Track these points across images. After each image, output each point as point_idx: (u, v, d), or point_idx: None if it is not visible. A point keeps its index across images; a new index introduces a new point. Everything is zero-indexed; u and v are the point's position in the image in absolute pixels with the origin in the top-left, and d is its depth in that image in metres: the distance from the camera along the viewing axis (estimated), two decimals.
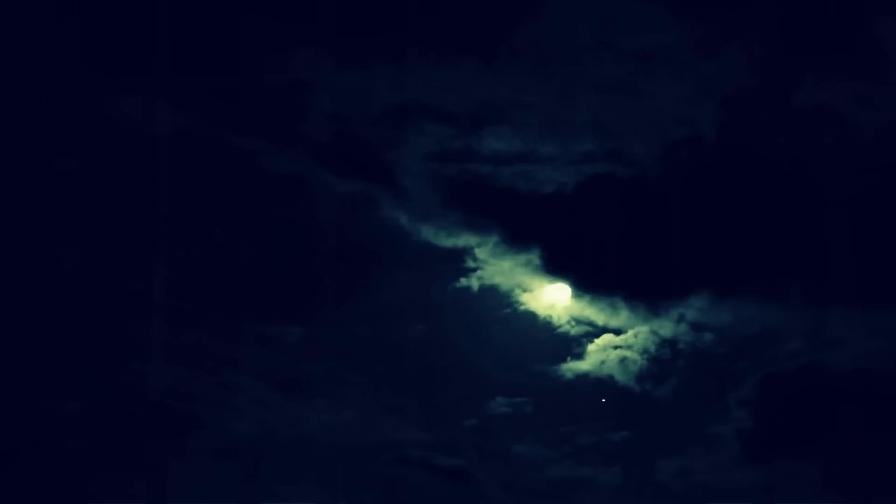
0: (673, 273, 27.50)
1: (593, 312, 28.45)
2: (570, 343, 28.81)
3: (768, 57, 25.90)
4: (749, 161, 26.82)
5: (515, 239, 27.93)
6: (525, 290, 28.71)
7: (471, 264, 28.57)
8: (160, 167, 27.06)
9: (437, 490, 28.25)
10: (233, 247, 27.98)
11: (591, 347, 28.70)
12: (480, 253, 28.33)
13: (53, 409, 26.65)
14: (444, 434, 28.82)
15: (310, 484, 27.64)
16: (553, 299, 28.73)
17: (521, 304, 28.82)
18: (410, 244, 28.31)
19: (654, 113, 26.53)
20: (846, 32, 25.50)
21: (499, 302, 28.89)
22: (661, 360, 28.73)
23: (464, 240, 28.22)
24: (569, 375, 28.68)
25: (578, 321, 28.69)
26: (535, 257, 28.05)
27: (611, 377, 28.75)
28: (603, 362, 28.64)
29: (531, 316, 28.85)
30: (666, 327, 28.39)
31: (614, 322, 28.54)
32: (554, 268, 28.04)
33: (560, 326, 28.81)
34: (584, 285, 28.07)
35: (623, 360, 28.62)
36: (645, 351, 28.68)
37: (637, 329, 28.59)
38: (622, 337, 28.71)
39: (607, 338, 28.78)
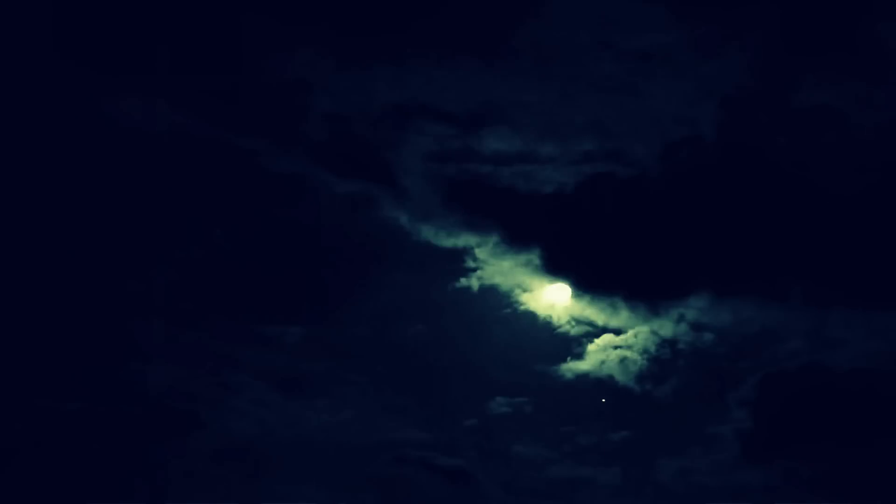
0: (673, 273, 27.53)
1: (593, 312, 28.46)
2: (570, 343, 28.84)
3: (768, 57, 25.91)
4: (749, 161, 26.81)
5: (515, 239, 27.95)
6: (525, 290, 28.71)
7: (471, 264, 28.59)
8: (160, 167, 27.06)
9: (437, 490, 28.19)
10: (233, 247, 27.97)
11: (591, 347, 28.69)
12: (480, 253, 28.35)
13: (54, 408, 26.62)
14: (444, 434, 28.78)
15: (310, 484, 27.58)
16: (553, 300, 28.70)
17: (521, 304, 28.82)
18: (410, 244, 28.35)
19: (654, 113, 26.56)
20: (846, 32, 25.46)
21: (499, 302, 28.92)
22: (661, 360, 28.73)
23: (464, 240, 28.25)
24: (569, 375, 28.67)
25: (578, 321, 28.68)
26: (535, 257, 28.08)
27: (611, 377, 28.74)
28: (603, 362, 28.61)
29: (531, 316, 28.87)
30: (666, 327, 28.39)
31: (614, 322, 28.55)
32: (554, 268, 28.04)
33: (560, 326, 28.80)
34: (584, 285, 28.10)
35: (623, 360, 28.59)
36: (645, 351, 28.66)
37: (637, 329, 28.58)
38: (622, 337, 28.70)
39: (607, 338, 28.77)
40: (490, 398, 28.74)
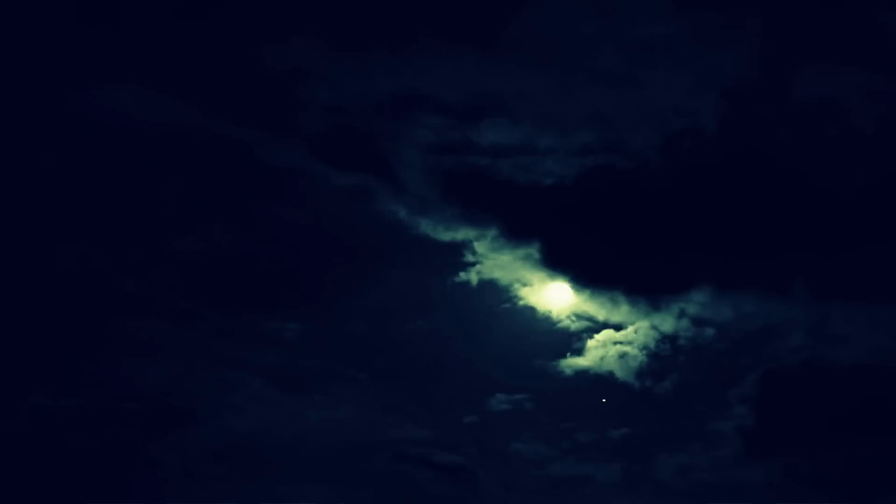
0: (674, 267, 27.42)
1: (593, 307, 28.36)
2: (570, 338, 28.74)
3: (769, 47, 25.79)
4: (750, 154, 26.70)
5: (514, 232, 27.79)
6: (525, 285, 28.57)
7: (470, 258, 28.42)
8: (152, 161, 26.88)
9: (437, 487, 28.18)
10: (228, 242, 27.84)
11: (590, 343, 28.62)
12: (479, 247, 28.18)
13: (49, 406, 26.53)
14: (443, 431, 28.74)
15: (308, 481, 27.61)
16: (554, 300, 28.59)
17: (521, 299, 28.69)
18: (409, 238, 28.18)
19: (654, 104, 26.43)
20: (849, 22, 25.39)
21: (498, 296, 28.79)
22: (662, 356, 28.67)
23: (462, 233, 28.05)
24: (568, 372, 28.62)
25: (578, 316, 28.59)
26: (534, 251, 27.92)
27: (611, 374, 28.66)
28: (602, 358, 28.51)
29: (530, 311, 28.77)
30: (667, 322, 28.31)
31: (615, 317, 28.46)
32: (554, 262, 27.90)
33: (560, 322, 28.68)
34: (585, 279, 27.95)
35: (623, 355, 28.52)
36: (645, 347, 28.57)
37: (638, 325, 28.49)
38: (622, 333, 28.61)
39: (607, 333, 28.70)
40: (490, 395, 28.69)
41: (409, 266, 28.48)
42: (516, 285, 28.54)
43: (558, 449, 28.69)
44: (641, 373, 28.65)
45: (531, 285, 28.52)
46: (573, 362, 28.62)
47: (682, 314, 28.14)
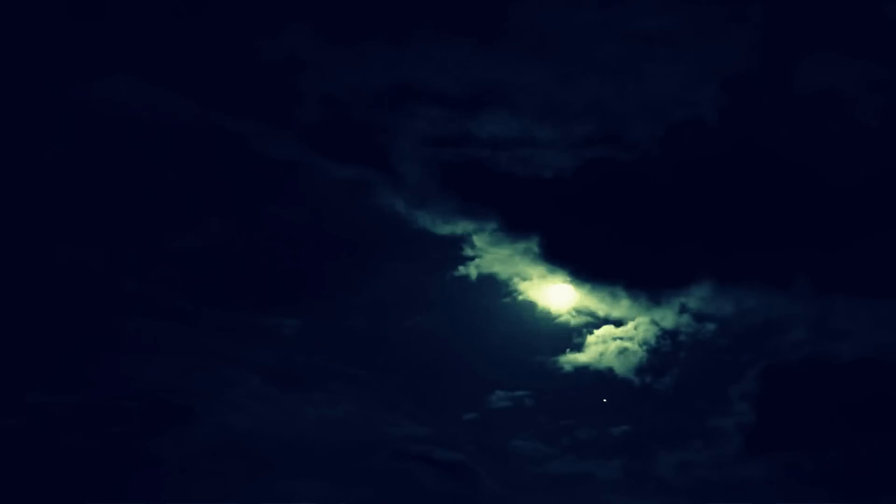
0: (675, 261, 27.34)
1: (594, 302, 28.25)
2: (570, 333, 28.64)
3: (771, 38, 25.70)
4: (752, 145, 26.60)
5: (514, 226, 27.64)
6: (524, 279, 28.43)
7: (469, 252, 28.23)
8: (147, 154, 26.71)
9: (437, 485, 28.14)
10: (225, 236, 27.75)
11: (590, 339, 28.55)
12: (478, 240, 28.02)
13: (47, 403, 26.55)
14: (443, 428, 28.70)
15: (308, 479, 27.59)
16: (554, 296, 28.50)
17: (520, 294, 28.55)
18: (407, 232, 28.00)
19: (655, 95, 26.31)
20: (851, 12, 25.31)
21: (497, 291, 28.63)
22: (662, 352, 28.63)
23: (461, 227, 27.89)
24: (568, 368, 28.55)
25: (578, 311, 28.49)
26: (533, 245, 27.75)
27: (610, 370, 28.56)
28: (602, 354, 28.44)
29: (530, 306, 28.64)
30: (668, 318, 28.24)
31: (615, 312, 28.35)
32: (553, 256, 27.74)
33: (560, 316, 28.57)
34: (585, 273, 27.82)
35: (623, 351, 28.45)
36: (645, 342, 28.52)
37: (638, 320, 28.42)
38: (622, 329, 28.53)
39: (607, 329, 28.61)
40: (489, 392, 28.63)
41: (407, 260, 28.42)
42: (515, 279, 28.43)
43: (558, 446, 28.65)
44: (642, 369, 28.64)
45: (530, 279, 28.41)
46: (573, 358, 28.59)
47: (682, 309, 28.12)
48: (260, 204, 27.56)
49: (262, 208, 27.62)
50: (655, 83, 26.20)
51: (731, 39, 25.67)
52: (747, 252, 27.03)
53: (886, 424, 27.18)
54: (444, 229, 27.89)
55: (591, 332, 28.55)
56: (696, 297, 27.72)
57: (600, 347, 28.50)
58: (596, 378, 28.68)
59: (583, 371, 28.61)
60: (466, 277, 28.39)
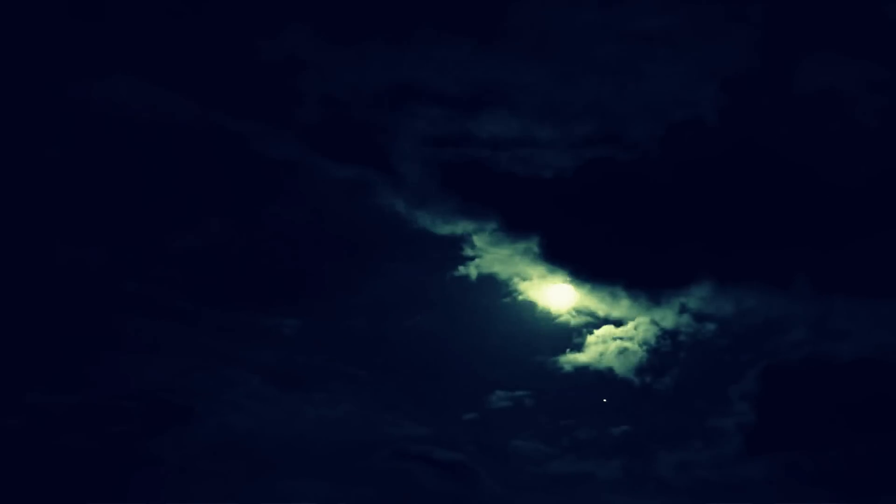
0: (675, 260, 27.31)
1: (593, 302, 28.23)
2: (570, 333, 28.62)
3: (771, 38, 25.70)
4: (752, 145, 26.59)
5: (514, 226, 27.63)
6: (524, 279, 28.41)
7: (469, 252, 28.21)
8: (146, 154, 26.68)
9: (437, 485, 28.10)
10: (225, 236, 27.75)
11: (590, 339, 28.52)
12: (478, 240, 28.00)
13: (47, 403, 26.51)
14: (443, 428, 28.66)
15: (308, 479, 27.55)
16: (556, 300, 28.50)
17: (520, 294, 28.53)
18: (407, 232, 27.99)
19: (654, 95, 26.33)
20: (852, 12, 25.31)
21: (497, 291, 28.61)
22: (662, 351, 28.60)
23: (461, 227, 27.88)
24: (568, 368, 28.52)
25: (578, 311, 28.47)
26: (533, 245, 27.74)
27: (610, 370, 28.54)
28: (602, 354, 28.41)
29: (530, 306, 28.62)
30: (668, 318, 28.21)
31: (615, 312, 28.33)
32: (553, 256, 27.72)
33: (560, 316, 28.56)
34: (585, 273, 27.80)
35: (623, 351, 28.42)
36: (645, 342, 28.49)
37: (638, 320, 28.39)
38: (623, 329, 28.50)
39: (607, 329, 28.57)
40: (489, 392, 28.60)
41: (407, 260, 28.42)
42: (515, 279, 28.41)
43: (558, 446, 28.61)
44: (641, 369, 28.61)
45: (530, 279, 28.39)
46: (573, 358, 28.55)
47: (683, 309, 28.09)
48: (260, 204, 27.56)
49: (262, 208, 27.62)
50: (655, 83, 26.22)
51: (731, 39, 25.68)
52: (747, 252, 27.02)
53: (886, 424, 27.14)
54: (444, 229, 27.90)
55: (591, 332, 28.57)
56: (696, 297, 27.75)
57: (600, 347, 28.48)
58: (596, 378, 28.68)
59: (583, 371, 28.60)
60: (466, 277, 28.40)
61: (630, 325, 28.46)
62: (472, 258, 28.23)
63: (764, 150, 26.44)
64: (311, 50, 25.62)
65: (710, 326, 28.29)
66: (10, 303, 26.10)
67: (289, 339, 28.07)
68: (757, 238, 26.92)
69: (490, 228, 27.75)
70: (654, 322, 28.34)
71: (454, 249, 28.23)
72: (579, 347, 28.51)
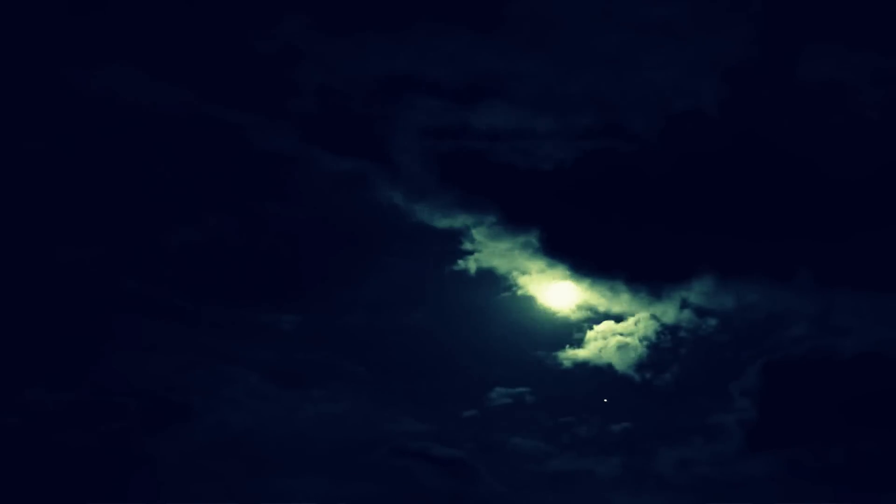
0: (675, 254, 27.17)
1: (594, 297, 28.12)
2: (570, 328, 28.51)
3: (772, 28, 25.66)
4: (753, 137, 26.56)
5: (513, 219, 27.58)
6: (523, 273, 28.30)
7: (468, 246, 28.16)
8: (143, 147, 26.69)
9: (436, 482, 27.98)
10: (223, 232, 27.67)
11: (590, 335, 28.39)
12: (477, 234, 27.95)
13: (46, 401, 26.38)
14: (442, 425, 28.56)
15: (307, 476, 27.41)
16: (556, 295, 28.40)
17: (520, 288, 28.42)
18: (406, 226, 27.99)
19: (655, 86, 26.34)
20: (853, 2, 25.27)
21: (497, 286, 28.52)
22: (662, 347, 28.49)
23: (460, 220, 27.83)
24: (567, 364, 28.40)
25: (579, 306, 28.39)
26: (533, 239, 27.69)
27: (610, 366, 28.43)
28: (602, 350, 28.29)
29: (530, 301, 28.50)
30: (668, 313, 28.10)
31: (616, 307, 28.27)
32: (553, 249, 27.67)
33: (559, 312, 28.47)
34: (585, 268, 27.72)
35: (623, 347, 28.29)
36: (646, 338, 28.37)
37: (639, 315, 28.30)
38: (623, 324, 28.37)
39: (607, 324, 28.47)
40: (489, 389, 28.51)
41: (406, 255, 28.37)
42: (515, 273, 28.31)
43: (558, 444, 28.50)
44: (642, 365, 28.53)
45: (530, 274, 28.29)
46: (573, 354, 28.42)
47: (684, 304, 28.01)
48: (257, 198, 27.56)
49: (260, 203, 27.64)
50: (656, 74, 26.25)
51: (732, 30, 25.68)
52: (749, 246, 26.94)
53: (888, 420, 27.01)
54: (443, 223, 27.86)
55: (592, 328, 28.47)
56: (697, 292, 27.65)
57: (600, 343, 28.37)
58: (596, 374, 28.53)
59: (583, 367, 28.46)
60: (465, 272, 28.31)
61: (630, 320, 28.40)
62: (472, 252, 28.16)
63: (765, 142, 26.39)
64: (307, 41, 25.64)
65: (712, 322, 28.24)
66: (9, 300, 26.06)
67: (287, 335, 28.02)
68: (759, 231, 26.85)
69: (489, 222, 27.71)
70: (654, 317, 28.27)
71: (453, 243, 28.19)
72: (579, 343, 28.42)
